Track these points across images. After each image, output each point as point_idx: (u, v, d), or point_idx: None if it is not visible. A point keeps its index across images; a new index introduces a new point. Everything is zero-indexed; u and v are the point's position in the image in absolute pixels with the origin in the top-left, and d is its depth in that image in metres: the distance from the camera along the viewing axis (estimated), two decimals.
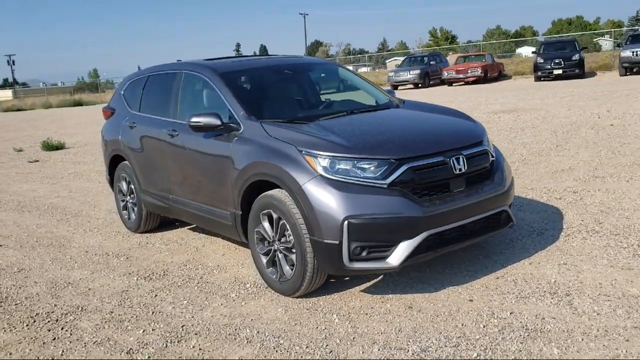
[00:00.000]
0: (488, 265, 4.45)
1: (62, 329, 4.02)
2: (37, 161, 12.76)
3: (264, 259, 4.35)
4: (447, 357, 3.21)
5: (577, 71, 24.70)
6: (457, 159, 4.01)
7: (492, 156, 4.39)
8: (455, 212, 3.91)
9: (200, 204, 4.98)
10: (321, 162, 3.85)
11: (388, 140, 4.05)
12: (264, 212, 4.23)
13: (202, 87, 5.18)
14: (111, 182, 6.62)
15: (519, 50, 58.85)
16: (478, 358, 3.17)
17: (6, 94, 66.16)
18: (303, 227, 3.89)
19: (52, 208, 7.87)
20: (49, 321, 4.15)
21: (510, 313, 3.65)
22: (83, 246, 5.97)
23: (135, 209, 6.15)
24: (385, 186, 3.76)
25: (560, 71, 24.80)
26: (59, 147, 14.60)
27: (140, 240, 6.04)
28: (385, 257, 3.77)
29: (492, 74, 29.24)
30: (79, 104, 44.35)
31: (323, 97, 5.75)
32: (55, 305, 4.44)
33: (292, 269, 4.11)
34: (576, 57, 24.75)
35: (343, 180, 3.78)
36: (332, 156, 3.85)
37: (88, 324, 4.06)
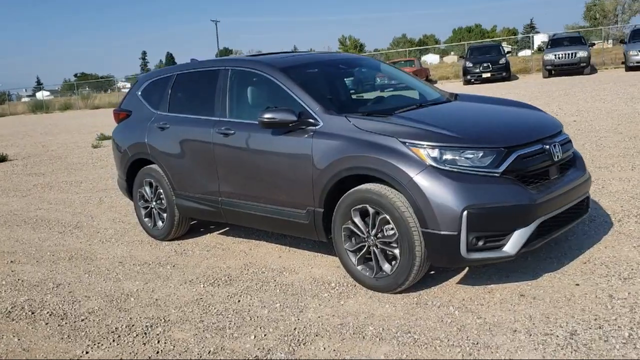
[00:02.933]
0: (566, 252, 4.55)
1: (159, 342, 3.71)
2: None
3: (354, 257, 4.23)
4: (599, 338, 3.24)
5: (504, 74, 25.95)
6: (554, 146, 4.09)
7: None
8: (559, 199, 3.98)
9: (265, 204, 4.77)
10: (430, 153, 3.80)
11: (490, 129, 4.06)
12: (356, 207, 4.12)
13: (259, 84, 4.98)
14: (129, 189, 6.21)
15: (424, 58, 61.04)
16: (630, 336, 3.23)
17: None
18: (411, 220, 3.82)
19: (43, 221, 7.29)
20: (137, 335, 3.83)
21: (628, 293, 3.75)
22: (112, 257, 5.56)
23: (165, 214, 5.80)
24: (497, 175, 3.77)
25: (488, 74, 25.95)
26: (1, 159, 13.56)
27: (174, 248, 5.71)
28: (501, 246, 3.77)
29: (421, 79, 30.09)
30: None
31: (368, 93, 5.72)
32: (130, 318, 4.10)
33: (392, 265, 4.02)
34: (503, 60, 26.02)
35: (456, 170, 3.75)
36: (441, 146, 3.81)
37: (184, 334, 3.78)
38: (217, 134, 5.02)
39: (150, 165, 5.87)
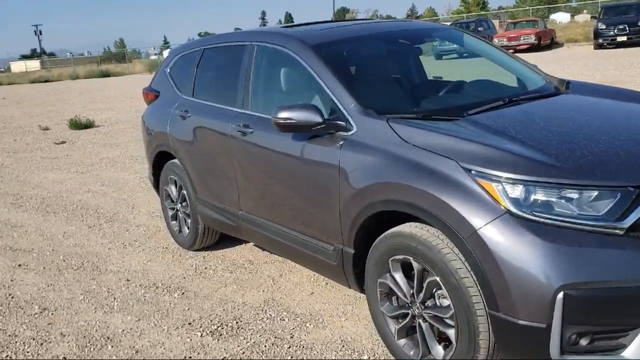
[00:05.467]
0: None
1: None
2: (64, 142, 11.47)
3: (393, 325, 2.94)
4: None
5: None
6: None
7: None
8: None
9: (287, 228, 3.57)
10: (509, 191, 2.39)
11: (612, 152, 2.55)
12: (395, 257, 2.81)
13: (285, 66, 3.71)
14: (156, 185, 5.24)
15: (552, 17, 55.75)
16: None
17: (34, 65, 65.37)
18: (474, 292, 2.46)
19: (82, 208, 6.55)
20: None
21: None
22: (123, 271, 4.62)
23: (189, 220, 4.77)
24: (621, 232, 2.29)
25: (624, 38, 22.66)
26: (87, 125, 13.31)
27: (195, 262, 4.67)
28: (618, 349, 2.32)
29: (545, 41, 27.22)
30: (106, 75, 43.32)
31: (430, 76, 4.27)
32: None
33: (445, 350, 2.70)
34: None
35: (550, 221, 2.32)
36: (527, 181, 2.38)
37: None
38: (235, 130, 3.85)
39: (174, 160, 4.83)
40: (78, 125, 13.18)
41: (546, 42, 27.33)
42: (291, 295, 3.92)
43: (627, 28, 22.62)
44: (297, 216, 3.45)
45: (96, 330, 3.67)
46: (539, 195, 2.36)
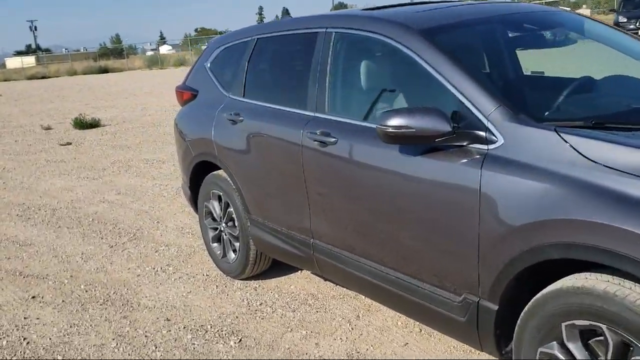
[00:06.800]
0: None
1: None
2: (70, 144, 10.65)
3: None
4: None
5: None
6: None
7: None
8: None
9: (386, 269, 2.79)
10: None
11: None
12: (574, 322, 2.03)
13: (384, 59, 2.94)
14: (193, 199, 4.44)
15: None
16: None
17: (30, 61, 64.33)
18: None
19: (99, 222, 5.76)
20: None
21: None
22: (159, 306, 3.84)
23: (237, 244, 3.99)
24: None
25: None
26: (93, 124, 12.47)
27: (247, 296, 3.89)
28: None
29: None
30: (104, 70, 42.35)
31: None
32: None
33: None
34: None
35: None
36: None
37: None
38: (309, 139, 3.06)
39: (219, 172, 4.04)
40: (83, 124, 12.35)
41: None
42: (379, 347, 3.14)
43: None
44: (406, 254, 2.67)
45: None
46: None
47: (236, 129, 3.70)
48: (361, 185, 2.79)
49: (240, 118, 3.67)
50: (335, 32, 3.12)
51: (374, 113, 2.89)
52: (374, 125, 2.66)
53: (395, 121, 2.35)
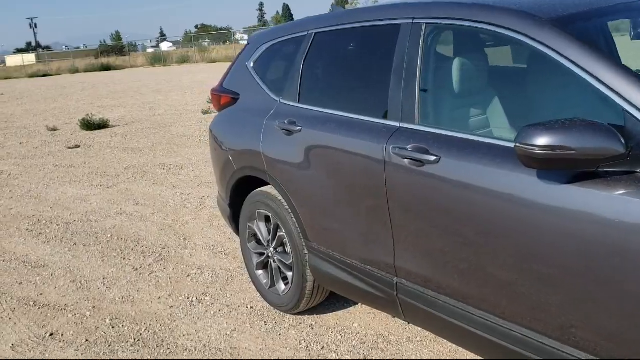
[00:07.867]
0: None
1: None
2: (78, 147, 10.07)
3: None
4: None
5: None
6: None
7: None
8: None
9: (506, 323, 2.20)
10: None
11: None
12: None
13: (498, 54, 2.33)
14: (234, 218, 3.85)
15: None
16: None
17: (30, 58, 63.74)
18: None
19: (119, 239, 5.18)
20: None
21: None
22: (201, 348, 3.26)
23: (290, 274, 3.41)
24: None
25: None
26: (101, 125, 11.88)
27: (304, 337, 3.31)
28: None
29: None
30: (107, 68, 41.80)
31: None
32: None
33: None
34: None
35: None
36: None
37: None
38: (396, 155, 2.47)
39: (267, 188, 3.45)
40: (90, 125, 11.76)
41: None
42: None
43: None
44: (541, 307, 2.08)
45: None
46: None
47: (292, 140, 3.11)
48: (474, 218, 2.20)
49: (297, 128, 3.08)
50: (426, 23, 2.53)
51: (482, 123, 2.31)
52: (487, 140, 2.09)
53: (545, 139, 1.77)
